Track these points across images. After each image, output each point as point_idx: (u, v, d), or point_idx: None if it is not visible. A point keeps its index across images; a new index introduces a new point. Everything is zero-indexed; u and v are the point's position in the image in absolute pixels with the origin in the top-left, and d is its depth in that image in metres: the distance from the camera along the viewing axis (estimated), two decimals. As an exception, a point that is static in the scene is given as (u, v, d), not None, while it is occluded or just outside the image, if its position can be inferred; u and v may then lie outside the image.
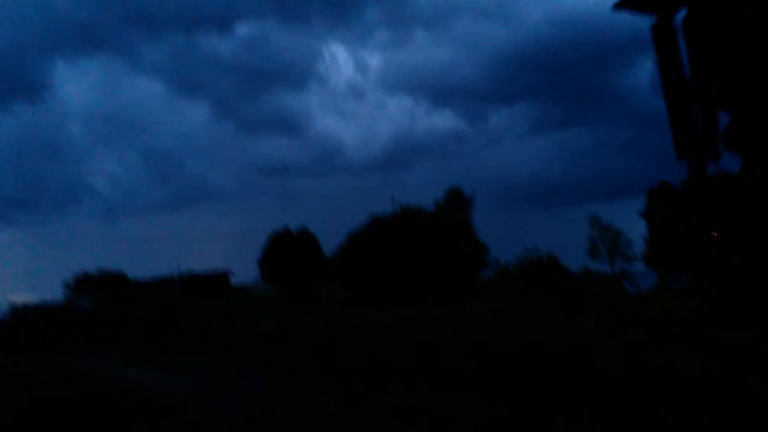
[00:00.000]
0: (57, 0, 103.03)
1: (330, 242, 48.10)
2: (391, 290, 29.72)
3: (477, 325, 15.66)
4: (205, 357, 13.03)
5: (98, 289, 50.25)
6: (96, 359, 14.17)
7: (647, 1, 4.43)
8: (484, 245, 40.73)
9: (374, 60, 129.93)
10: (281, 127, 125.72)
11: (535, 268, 36.29)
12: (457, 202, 47.22)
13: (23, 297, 38.66)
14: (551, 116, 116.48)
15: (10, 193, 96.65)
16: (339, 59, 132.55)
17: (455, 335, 13.60)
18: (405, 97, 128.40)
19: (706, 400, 6.12)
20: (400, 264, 31.02)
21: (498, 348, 10.86)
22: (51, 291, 74.95)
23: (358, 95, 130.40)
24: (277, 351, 13.14)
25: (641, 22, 4.59)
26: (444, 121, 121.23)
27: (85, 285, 55.34)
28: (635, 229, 50.25)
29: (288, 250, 44.55)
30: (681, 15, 4.38)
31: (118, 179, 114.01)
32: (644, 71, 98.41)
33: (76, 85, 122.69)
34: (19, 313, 21.40)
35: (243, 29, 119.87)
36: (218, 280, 57.36)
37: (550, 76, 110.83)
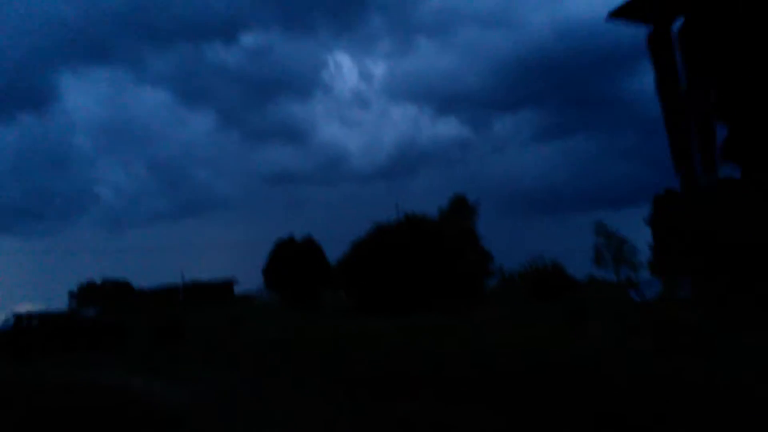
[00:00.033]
0: (64, 11, 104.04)
1: (335, 250, 47.99)
2: (396, 298, 29.68)
3: (482, 334, 15.61)
4: (210, 366, 13.02)
5: (103, 298, 50.36)
6: (100, 368, 14.18)
7: (642, 11, 4.42)
8: (489, 253, 40.58)
9: (379, 68, 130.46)
10: (286, 136, 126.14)
11: (540, 277, 36.25)
12: (461, 209, 47.11)
13: (28, 306, 38.80)
14: (556, 123, 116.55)
15: (16, 203, 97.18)
16: (344, 68, 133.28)
17: (460, 344, 13.56)
18: (409, 105, 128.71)
19: (712, 409, 6.09)
20: (405, 272, 31.00)
21: (503, 356, 10.83)
22: (56, 300, 75.16)
23: (363, 103, 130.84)
24: (281, 360, 13.12)
25: (642, 30, 4.58)
26: (448, 128, 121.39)
27: (90, 294, 55.46)
28: (641, 237, 49.95)
29: (292, 259, 44.52)
30: (677, 25, 4.37)
31: (123, 189, 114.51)
32: (649, 78, 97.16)
33: (83, 95, 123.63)
34: (23, 322, 21.44)
35: (248, 39, 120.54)
36: (223, 288, 57.35)
37: (554, 83, 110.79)
